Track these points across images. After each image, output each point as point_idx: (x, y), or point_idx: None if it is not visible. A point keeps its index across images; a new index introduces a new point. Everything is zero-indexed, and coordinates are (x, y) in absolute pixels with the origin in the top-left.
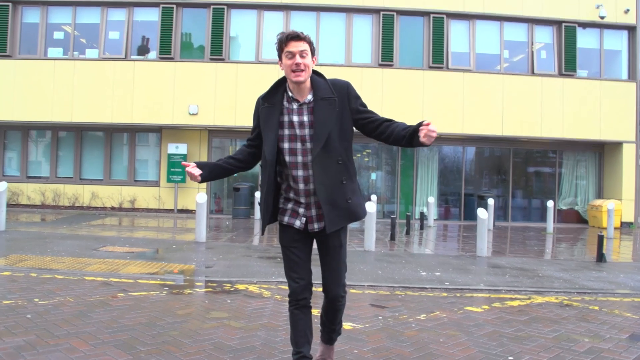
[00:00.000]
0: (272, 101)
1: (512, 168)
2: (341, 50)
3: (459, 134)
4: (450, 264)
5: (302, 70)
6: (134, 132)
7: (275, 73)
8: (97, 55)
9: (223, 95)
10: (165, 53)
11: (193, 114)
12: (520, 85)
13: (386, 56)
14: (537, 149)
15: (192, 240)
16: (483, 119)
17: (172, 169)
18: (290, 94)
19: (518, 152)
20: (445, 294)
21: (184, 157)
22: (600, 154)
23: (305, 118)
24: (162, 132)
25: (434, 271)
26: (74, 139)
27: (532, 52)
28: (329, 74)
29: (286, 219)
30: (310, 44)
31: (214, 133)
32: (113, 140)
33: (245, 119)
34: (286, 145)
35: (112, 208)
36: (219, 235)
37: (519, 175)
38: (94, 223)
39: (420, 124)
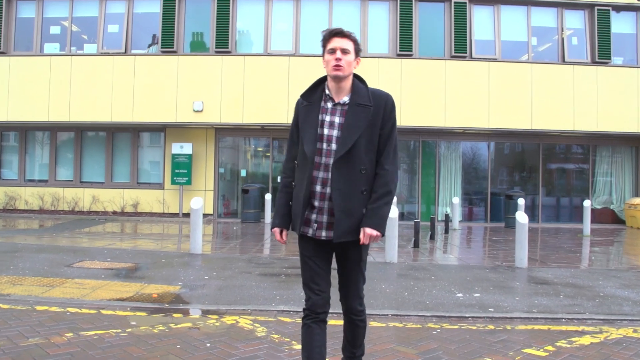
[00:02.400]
0: (312, 99)
1: (541, 165)
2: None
3: (484, 128)
4: (488, 280)
5: (342, 66)
6: (137, 132)
7: (285, 65)
8: (96, 50)
9: (230, 90)
10: (167, 46)
11: (198, 111)
12: (550, 75)
13: (404, 45)
14: (569, 143)
15: (186, 252)
16: (510, 112)
17: (176, 170)
18: (327, 92)
19: (548, 147)
20: (491, 327)
21: (189, 157)
22: (637, 148)
23: (337, 119)
24: (165, 131)
25: (472, 290)
26: (74, 139)
27: (562, 38)
28: None
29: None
30: (355, 42)
31: (221, 131)
32: (115, 140)
33: (253, 116)
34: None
35: (114, 213)
36: (220, 243)
37: (549, 173)
38: (88, 230)
39: (363, 229)
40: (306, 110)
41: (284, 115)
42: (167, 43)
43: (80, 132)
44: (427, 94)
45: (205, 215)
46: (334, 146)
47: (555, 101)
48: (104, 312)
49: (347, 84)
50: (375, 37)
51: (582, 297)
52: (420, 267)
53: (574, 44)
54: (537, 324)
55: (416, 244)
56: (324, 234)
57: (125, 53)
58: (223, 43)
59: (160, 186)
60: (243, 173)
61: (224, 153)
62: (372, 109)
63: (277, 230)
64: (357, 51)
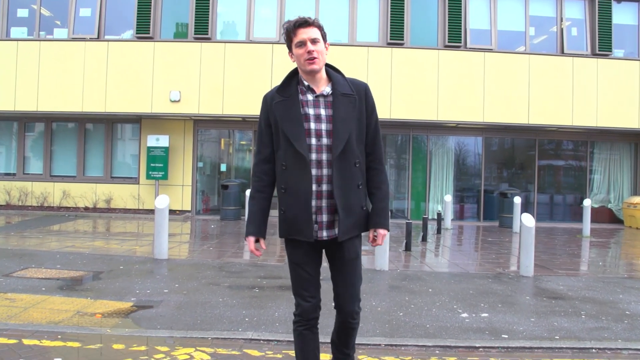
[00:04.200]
0: (288, 93)
1: (537, 161)
2: (344, 27)
3: (478, 122)
4: (493, 293)
5: (316, 58)
6: (111, 123)
7: (268, 53)
8: (67, 35)
9: (209, 79)
10: (143, 32)
11: (175, 101)
12: (549, 67)
13: (396, 34)
14: (566, 139)
15: (150, 257)
16: (506, 106)
17: (152, 164)
18: (305, 83)
19: (544, 143)
20: None
21: (166, 150)
22: (637, 144)
23: (323, 112)
24: (141, 123)
25: (477, 308)
26: (43, 130)
27: (562, 29)
28: (331, 54)
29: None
30: (320, 28)
31: (200, 123)
32: (87, 132)
33: (234, 107)
34: None
35: (86, 209)
36: (192, 246)
37: (545, 170)
38: (52, 228)
39: (373, 230)
40: (283, 106)
41: None
42: (142, 28)
43: (51, 123)
44: (419, 86)
45: (182, 212)
46: (325, 140)
47: (553, 95)
48: (26, 341)
49: (323, 73)
50: (364, 25)
51: (606, 316)
52: (415, 276)
53: (573, 34)
54: (563, 356)
55: (408, 247)
56: (325, 233)
57: (98, 38)
58: (202, 29)
59: (135, 181)
60: (223, 167)
61: (203, 146)
62: (357, 98)
63: (251, 239)
64: (324, 37)
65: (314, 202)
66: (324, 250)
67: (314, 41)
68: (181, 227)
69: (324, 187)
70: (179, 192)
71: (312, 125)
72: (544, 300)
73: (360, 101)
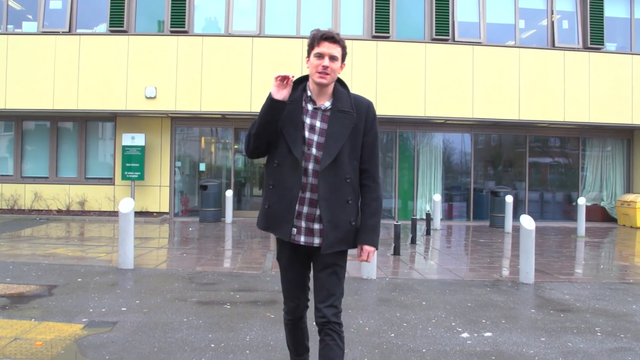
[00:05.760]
0: (293, 97)
1: (528, 158)
2: (327, 20)
3: (467, 118)
4: (494, 305)
5: (328, 74)
6: (84, 121)
7: (248, 47)
8: (36, 28)
9: (186, 75)
10: (116, 25)
11: (150, 98)
12: (539, 61)
13: (381, 27)
14: (557, 135)
15: (114, 266)
16: (496, 101)
17: (127, 164)
18: (309, 93)
19: (535, 139)
20: None
21: (142, 149)
22: (629, 140)
23: (318, 124)
24: (116, 121)
25: (479, 325)
26: (13, 130)
27: (552, 22)
28: None
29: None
30: (343, 48)
31: (177, 121)
32: (59, 131)
33: (212, 103)
34: None
35: (59, 211)
36: (165, 251)
37: (536, 167)
38: (15, 234)
39: (360, 247)
40: (287, 109)
41: (247, 102)
42: (116, 21)
43: (21, 122)
44: (405, 81)
45: (160, 214)
46: (313, 151)
47: (544, 89)
48: None
49: (330, 88)
50: (348, 17)
51: (624, 333)
52: (406, 286)
53: (564, 28)
54: None
55: (397, 251)
56: (302, 239)
57: (69, 32)
58: (179, 22)
59: (110, 182)
60: (203, 167)
61: (181, 145)
62: (355, 115)
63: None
64: (344, 57)
65: (296, 207)
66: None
67: (332, 58)
68: (159, 230)
69: (307, 194)
70: (156, 193)
71: (306, 134)
72: (551, 313)
73: (359, 118)
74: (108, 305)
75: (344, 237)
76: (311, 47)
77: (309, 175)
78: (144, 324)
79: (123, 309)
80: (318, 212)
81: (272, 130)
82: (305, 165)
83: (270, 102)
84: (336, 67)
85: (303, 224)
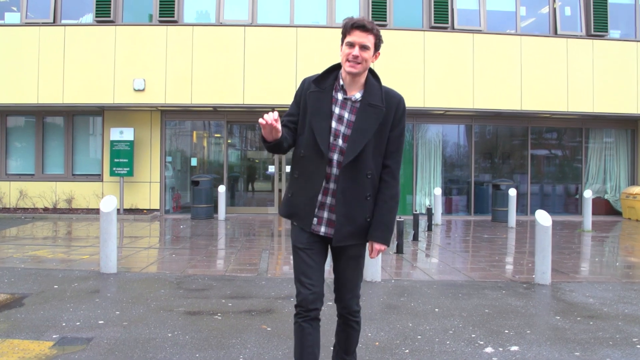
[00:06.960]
0: (323, 86)
1: (530, 150)
2: (322, 8)
3: (468, 109)
4: (514, 312)
5: (358, 63)
6: (71, 116)
7: (240, 37)
8: (19, 19)
9: (176, 66)
10: (103, 15)
11: (139, 90)
12: (541, 49)
13: (378, 14)
14: (560, 126)
15: (96, 270)
16: (497, 91)
17: (116, 160)
18: (341, 82)
19: (537, 130)
20: None
21: (131, 144)
22: (634, 131)
23: (346, 115)
24: (104, 115)
25: (502, 337)
26: None
27: (555, 8)
28: (308, 37)
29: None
30: (376, 37)
31: (167, 114)
32: (45, 126)
33: (204, 96)
34: None
35: (45, 209)
36: (153, 252)
37: (538, 159)
38: (0, 234)
39: (370, 243)
40: (317, 97)
41: (239, 94)
42: (102, 11)
43: (5, 117)
44: (403, 70)
45: (150, 211)
46: (340, 142)
47: (546, 79)
48: None
49: (362, 78)
50: (344, 4)
51: None
52: (414, 289)
53: (567, 14)
54: None
55: (400, 249)
56: (323, 229)
57: (53, 23)
58: (168, 11)
59: (98, 178)
60: (194, 162)
61: (171, 139)
62: (384, 110)
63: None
64: (378, 45)
65: (319, 197)
66: (329, 246)
67: (363, 47)
68: (149, 228)
69: (331, 185)
70: (146, 190)
71: (333, 124)
72: (578, 320)
73: (388, 113)
74: (84, 318)
75: (357, 232)
76: (343, 35)
77: (334, 166)
78: (123, 341)
79: (100, 322)
80: None
81: (280, 147)
82: (331, 156)
83: (265, 143)
84: (368, 57)
85: (325, 215)
